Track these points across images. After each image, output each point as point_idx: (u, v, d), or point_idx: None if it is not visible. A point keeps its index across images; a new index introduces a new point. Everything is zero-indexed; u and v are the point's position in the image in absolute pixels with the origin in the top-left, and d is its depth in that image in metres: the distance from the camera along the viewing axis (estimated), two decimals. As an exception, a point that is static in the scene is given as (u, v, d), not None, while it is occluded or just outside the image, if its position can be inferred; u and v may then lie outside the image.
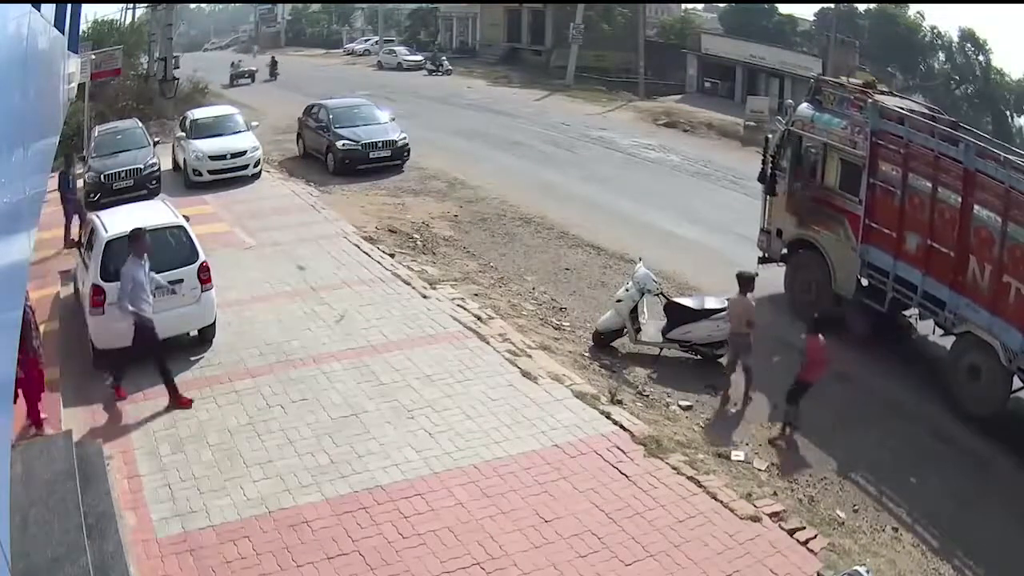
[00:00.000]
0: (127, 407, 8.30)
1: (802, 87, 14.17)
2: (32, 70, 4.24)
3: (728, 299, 9.63)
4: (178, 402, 8.27)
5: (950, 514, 7.62)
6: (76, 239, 13.06)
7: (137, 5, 32.96)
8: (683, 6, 51.40)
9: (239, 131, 18.85)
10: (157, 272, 9.21)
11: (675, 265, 12.99)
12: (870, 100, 10.73)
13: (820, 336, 8.51)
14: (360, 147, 18.76)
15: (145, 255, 8.43)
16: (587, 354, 10.06)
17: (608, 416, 8.10)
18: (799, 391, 8.55)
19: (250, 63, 45.23)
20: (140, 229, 8.59)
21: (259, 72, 42.69)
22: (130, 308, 8.15)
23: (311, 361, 9.26)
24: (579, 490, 6.93)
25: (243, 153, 18.01)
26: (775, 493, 7.32)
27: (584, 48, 39.23)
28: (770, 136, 12.72)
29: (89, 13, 37.03)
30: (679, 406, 9.02)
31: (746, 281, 9.26)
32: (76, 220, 13.98)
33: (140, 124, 19.41)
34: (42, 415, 7.82)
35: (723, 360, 9.73)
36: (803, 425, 8.84)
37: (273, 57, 44.99)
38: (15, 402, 7.68)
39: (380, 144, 18.98)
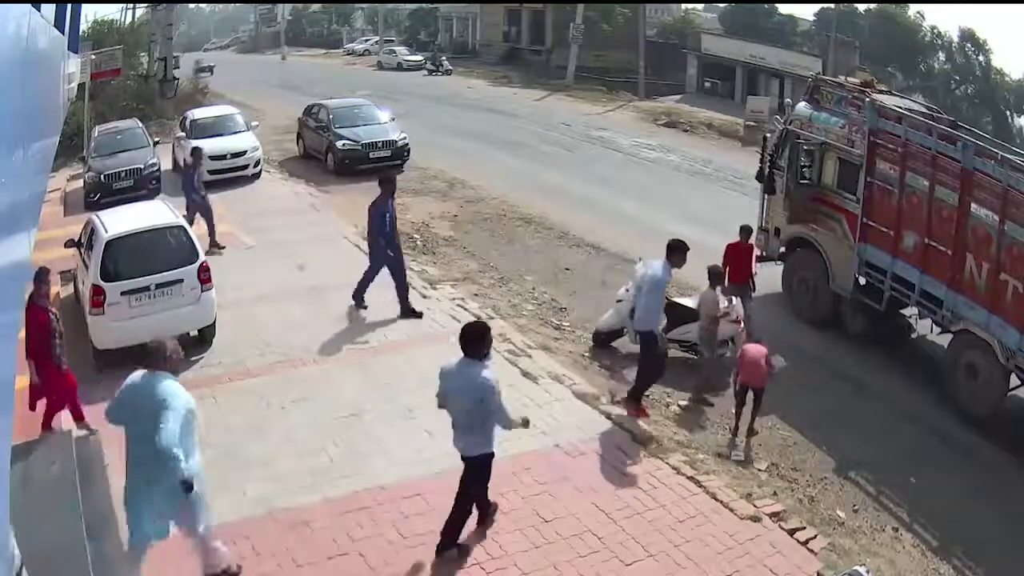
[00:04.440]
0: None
1: (802, 87, 14.18)
2: (32, 70, 4.24)
3: (700, 293, 9.67)
4: (636, 412, 8.16)
5: (950, 514, 7.63)
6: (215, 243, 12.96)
7: (137, 5, 32.97)
8: (683, 6, 51.35)
9: (239, 131, 18.85)
10: (157, 272, 9.25)
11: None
12: (868, 99, 10.75)
13: (761, 342, 8.46)
14: (360, 147, 18.76)
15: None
16: (587, 354, 10.05)
17: (608, 416, 8.11)
18: (741, 394, 8.48)
19: (210, 59, 47.74)
20: (681, 241, 8.21)
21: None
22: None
23: (311, 361, 9.26)
24: (579, 490, 6.92)
25: (243, 153, 18.01)
26: (775, 493, 7.32)
27: (584, 48, 39.21)
28: (768, 135, 12.74)
29: (89, 13, 37.04)
30: (679, 406, 9.01)
31: (714, 276, 9.29)
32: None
33: (140, 124, 19.43)
34: (83, 413, 7.79)
35: (725, 357, 9.76)
36: (802, 425, 8.86)
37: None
38: (33, 409, 7.65)
39: (380, 144, 18.97)
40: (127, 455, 5.31)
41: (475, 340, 5.66)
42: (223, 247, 13.10)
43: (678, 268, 8.32)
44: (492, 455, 5.91)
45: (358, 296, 10.70)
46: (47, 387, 7.66)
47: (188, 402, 5.30)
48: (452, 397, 5.82)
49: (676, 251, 8.12)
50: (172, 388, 5.28)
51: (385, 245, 10.42)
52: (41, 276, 7.81)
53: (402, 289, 10.50)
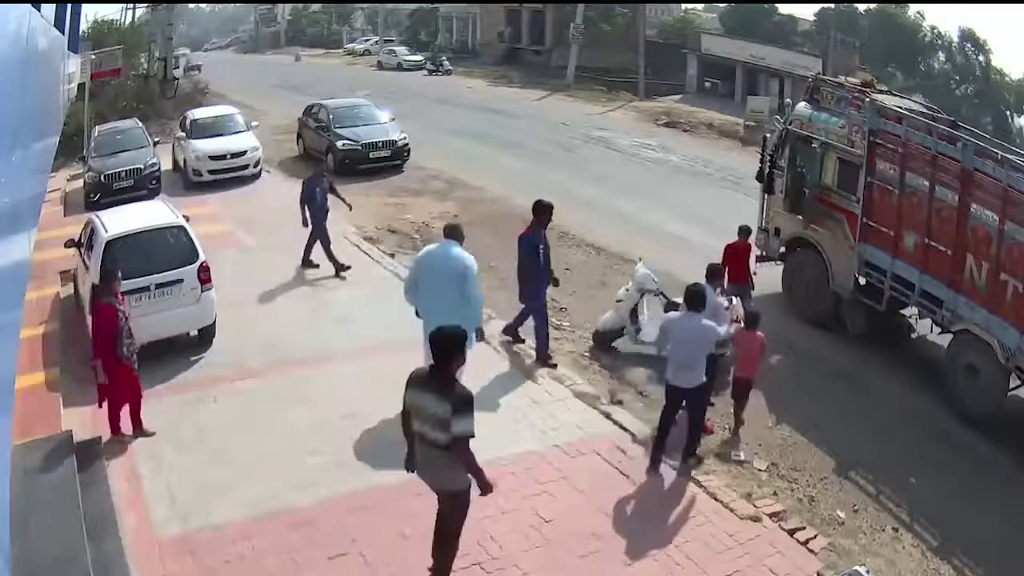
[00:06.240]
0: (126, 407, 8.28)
1: (802, 87, 14.19)
2: (32, 70, 4.24)
3: None
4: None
5: (950, 514, 7.62)
6: (307, 260, 12.33)
7: (137, 5, 32.98)
8: (683, 6, 51.37)
9: (239, 131, 18.87)
10: (157, 272, 9.24)
11: (675, 265, 12.98)
12: (868, 99, 10.74)
13: (757, 331, 8.37)
14: (360, 147, 18.77)
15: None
16: (587, 354, 10.05)
17: (608, 416, 8.11)
18: (738, 390, 8.45)
19: (199, 58, 49.38)
20: (718, 266, 8.90)
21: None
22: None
23: (311, 361, 9.25)
24: (579, 490, 6.93)
25: (243, 153, 18.02)
26: (775, 493, 7.32)
27: (584, 48, 39.23)
28: (768, 135, 12.74)
29: (89, 13, 37.05)
30: (679, 406, 9.00)
31: (712, 274, 9.30)
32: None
33: (140, 124, 19.45)
34: (142, 421, 7.79)
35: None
36: (802, 425, 8.85)
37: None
38: (100, 407, 7.65)
39: (380, 144, 18.99)
40: (423, 302, 7.42)
41: (697, 298, 7.12)
42: (317, 264, 12.34)
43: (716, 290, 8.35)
44: (705, 383, 7.28)
45: (512, 331, 9.87)
46: (115, 386, 7.57)
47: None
48: (676, 344, 7.12)
49: (717, 276, 8.53)
50: (465, 255, 7.40)
51: (536, 283, 9.27)
52: (111, 274, 7.77)
53: (543, 336, 9.41)
